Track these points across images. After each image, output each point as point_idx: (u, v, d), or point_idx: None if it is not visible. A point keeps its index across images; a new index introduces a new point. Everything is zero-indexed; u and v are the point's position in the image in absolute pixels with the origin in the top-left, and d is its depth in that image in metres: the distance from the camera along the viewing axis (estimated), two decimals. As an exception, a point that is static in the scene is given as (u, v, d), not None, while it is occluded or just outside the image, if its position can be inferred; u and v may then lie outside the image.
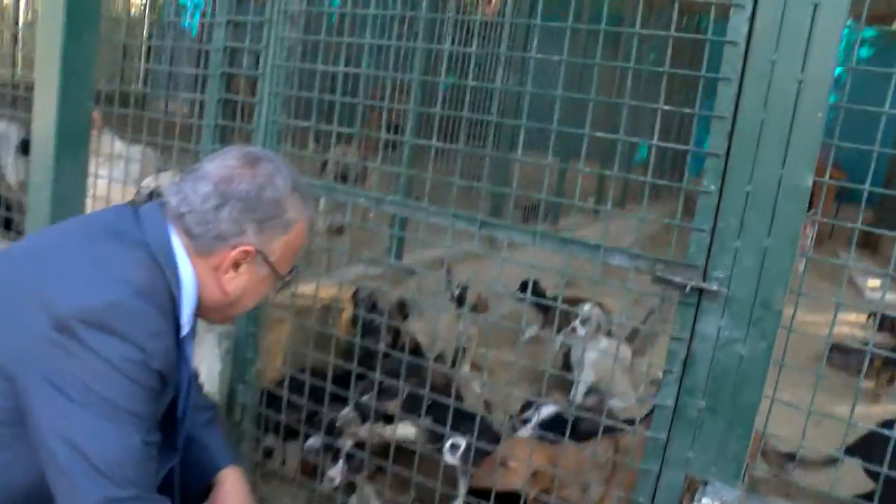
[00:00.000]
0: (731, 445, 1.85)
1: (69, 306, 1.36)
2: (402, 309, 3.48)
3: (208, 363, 2.45)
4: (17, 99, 3.63)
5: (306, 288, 2.97)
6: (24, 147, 3.99)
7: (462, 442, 2.37)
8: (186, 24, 7.06)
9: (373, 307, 3.09)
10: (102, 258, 1.49)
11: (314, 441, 2.56)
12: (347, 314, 3.17)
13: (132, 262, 1.48)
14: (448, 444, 2.40)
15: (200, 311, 1.63)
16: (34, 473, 1.42)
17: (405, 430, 2.47)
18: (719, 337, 1.85)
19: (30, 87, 2.81)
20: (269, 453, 2.84)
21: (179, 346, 1.54)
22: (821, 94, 1.71)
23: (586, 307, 3.87)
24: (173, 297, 1.52)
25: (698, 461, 1.89)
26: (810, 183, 1.74)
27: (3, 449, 1.44)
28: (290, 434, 2.69)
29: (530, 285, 3.74)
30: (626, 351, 4.21)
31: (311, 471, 2.67)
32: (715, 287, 1.83)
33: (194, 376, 1.97)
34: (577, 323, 3.81)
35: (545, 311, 4.24)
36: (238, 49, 2.50)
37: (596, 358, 3.83)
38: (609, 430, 2.27)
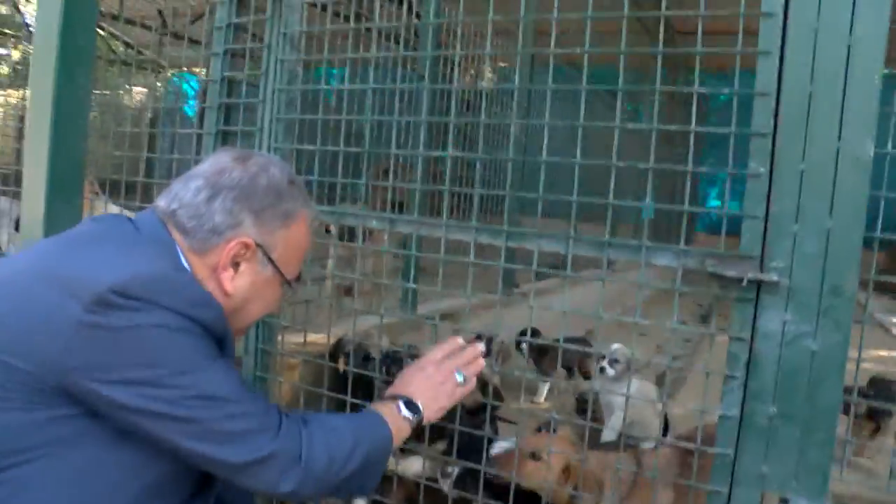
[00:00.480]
0: (812, 454, 1.63)
1: (103, 279, 1.23)
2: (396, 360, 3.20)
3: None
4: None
5: (314, 336, 2.80)
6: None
7: (454, 469, 2.16)
8: (190, 112, 7.12)
9: (365, 359, 2.89)
10: (124, 245, 1.37)
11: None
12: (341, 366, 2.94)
13: (157, 245, 1.39)
14: (439, 471, 2.19)
15: None
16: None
17: (413, 465, 2.25)
18: (785, 333, 1.66)
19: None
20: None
21: None
22: (874, 54, 1.57)
23: (614, 346, 3.66)
24: None
25: (775, 476, 1.67)
26: (871, 152, 1.58)
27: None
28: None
29: (529, 332, 3.63)
30: (653, 391, 3.99)
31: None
32: (775, 278, 1.65)
33: None
34: (605, 363, 3.59)
35: (543, 355, 4.09)
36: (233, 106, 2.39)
37: (623, 401, 3.60)
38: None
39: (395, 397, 1.64)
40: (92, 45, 2.68)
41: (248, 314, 1.53)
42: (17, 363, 1.21)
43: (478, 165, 3.43)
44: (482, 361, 1.74)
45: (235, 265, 1.45)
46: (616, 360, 3.59)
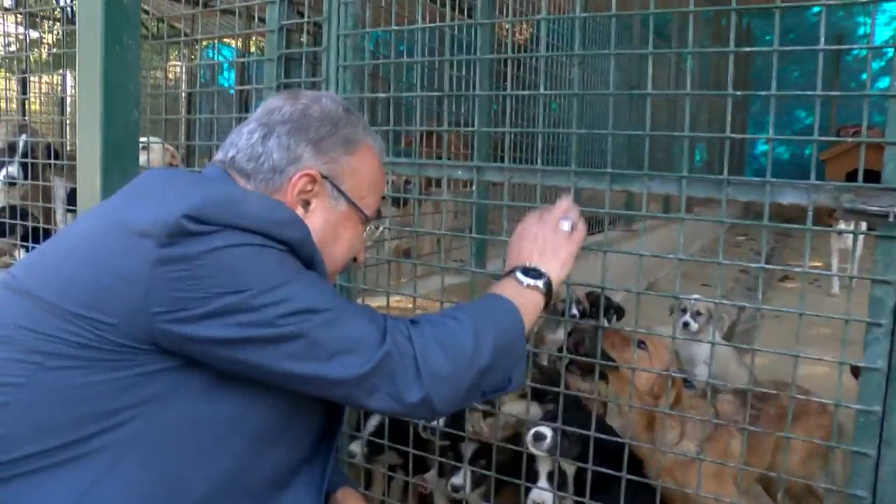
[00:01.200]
0: (977, 408, 1.45)
1: (175, 210, 1.11)
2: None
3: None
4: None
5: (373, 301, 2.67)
6: (72, 198, 3.89)
7: (548, 432, 2.00)
8: (226, 84, 7.01)
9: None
10: (191, 183, 1.28)
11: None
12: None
13: (225, 184, 1.32)
14: (531, 433, 2.04)
15: None
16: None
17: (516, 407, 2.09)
18: (941, 272, 1.46)
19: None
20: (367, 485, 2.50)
21: None
22: None
23: (694, 297, 3.47)
24: None
25: (932, 434, 1.49)
26: None
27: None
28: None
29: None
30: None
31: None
32: (927, 210, 1.45)
33: None
34: (688, 317, 3.40)
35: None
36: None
37: (708, 353, 3.42)
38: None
39: (509, 273, 1.48)
40: (137, 6, 2.53)
41: (330, 258, 1.38)
42: (101, 317, 1.11)
43: (540, 118, 3.23)
44: (577, 206, 1.57)
45: (305, 204, 1.35)
46: (699, 313, 3.40)
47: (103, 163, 2.38)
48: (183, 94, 5.81)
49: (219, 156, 1.39)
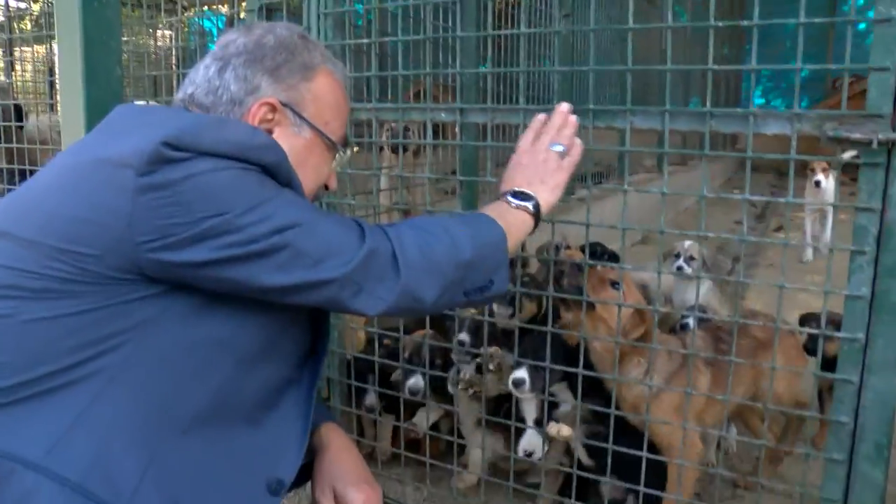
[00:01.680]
0: (959, 332, 1.46)
1: (154, 138, 1.11)
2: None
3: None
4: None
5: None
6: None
7: (525, 376, 2.09)
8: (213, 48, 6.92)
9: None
10: (165, 114, 1.31)
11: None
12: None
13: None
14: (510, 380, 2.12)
15: None
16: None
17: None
18: (924, 198, 1.46)
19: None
20: (361, 432, 2.52)
21: None
22: None
23: (687, 243, 3.46)
24: None
25: (915, 360, 1.50)
26: None
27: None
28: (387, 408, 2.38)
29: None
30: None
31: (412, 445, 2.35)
32: (911, 136, 1.44)
33: None
34: (681, 262, 3.39)
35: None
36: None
37: (702, 297, 3.44)
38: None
39: (499, 196, 1.52)
40: (116, -40, 2.49)
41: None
42: (84, 250, 1.11)
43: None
44: (573, 120, 1.58)
45: (268, 133, 1.32)
46: (692, 258, 3.40)
47: (87, 121, 2.36)
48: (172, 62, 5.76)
49: (179, 95, 1.38)
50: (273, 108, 1.33)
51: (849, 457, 1.59)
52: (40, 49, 6.65)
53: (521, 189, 1.50)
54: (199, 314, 1.18)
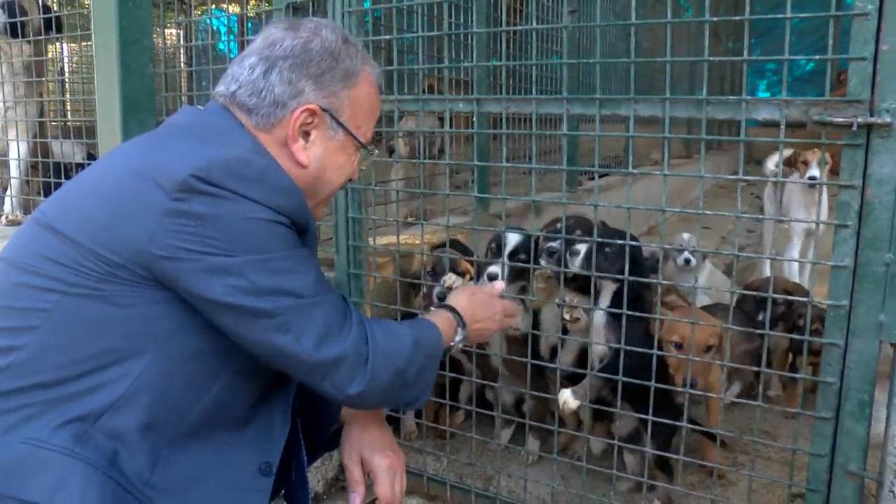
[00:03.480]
0: (933, 297, 1.60)
1: (184, 167, 1.21)
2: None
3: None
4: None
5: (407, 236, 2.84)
6: (89, 159, 3.99)
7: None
8: (223, 48, 7.04)
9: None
10: (204, 133, 1.36)
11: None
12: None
13: (232, 131, 1.38)
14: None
15: None
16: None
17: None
18: (900, 176, 1.60)
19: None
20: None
21: None
22: None
23: (686, 236, 3.60)
24: None
25: (894, 324, 1.64)
26: None
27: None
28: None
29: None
30: (723, 279, 3.97)
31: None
32: (888, 119, 1.59)
33: None
34: (687, 254, 3.52)
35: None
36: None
37: (704, 283, 3.59)
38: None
39: (444, 307, 1.67)
40: (149, -37, 2.64)
41: (327, 183, 1.49)
42: (109, 255, 1.21)
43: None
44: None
45: (305, 135, 1.41)
46: (694, 249, 3.54)
47: (122, 116, 2.51)
48: (182, 62, 5.91)
49: (220, 88, 1.43)
50: (313, 114, 1.40)
51: (836, 414, 1.73)
52: (50, 49, 6.82)
53: (461, 315, 1.66)
54: (209, 326, 1.28)
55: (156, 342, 1.26)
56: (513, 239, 2.39)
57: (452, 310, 1.66)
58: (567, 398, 2.21)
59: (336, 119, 1.43)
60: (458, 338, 1.65)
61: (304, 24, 1.45)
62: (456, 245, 2.72)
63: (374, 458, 1.57)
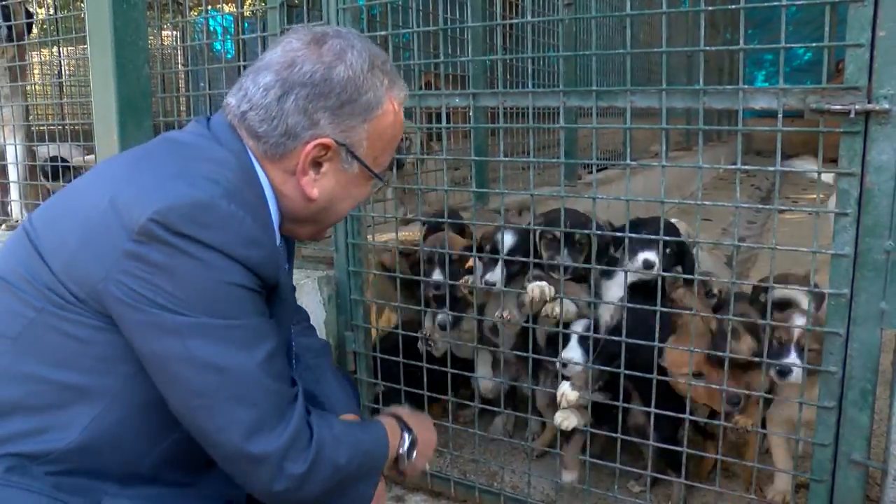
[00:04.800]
0: (935, 284, 1.59)
1: (145, 209, 1.14)
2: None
3: (311, 313, 2.28)
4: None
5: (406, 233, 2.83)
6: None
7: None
8: (219, 48, 7.02)
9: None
10: (179, 162, 1.26)
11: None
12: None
13: (214, 161, 1.26)
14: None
15: (285, 226, 1.41)
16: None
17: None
18: (900, 163, 1.60)
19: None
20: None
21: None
22: None
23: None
24: (266, 205, 1.32)
25: (895, 312, 1.63)
26: None
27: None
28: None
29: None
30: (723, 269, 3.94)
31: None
32: (886, 106, 1.58)
33: (298, 309, 1.80)
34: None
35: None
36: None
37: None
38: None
39: (388, 415, 1.56)
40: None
41: (335, 213, 1.43)
42: (74, 287, 1.18)
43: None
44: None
45: (317, 166, 1.33)
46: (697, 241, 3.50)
47: (119, 118, 2.50)
48: (179, 63, 5.92)
49: (231, 102, 1.34)
50: (328, 148, 1.31)
51: (838, 403, 1.72)
52: (46, 52, 6.80)
53: (415, 441, 1.51)
54: None
55: (113, 385, 1.23)
56: (509, 240, 2.35)
57: (395, 417, 1.54)
58: (566, 390, 2.20)
59: (352, 153, 1.34)
60: (406, 444, 1.50)
61: (329, 42, 1.32)
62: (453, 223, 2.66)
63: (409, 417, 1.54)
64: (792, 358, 1.96)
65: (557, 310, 2.19)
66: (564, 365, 2.20)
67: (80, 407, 1.22)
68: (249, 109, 1.30)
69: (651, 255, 2.14)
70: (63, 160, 3.74)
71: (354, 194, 1.42)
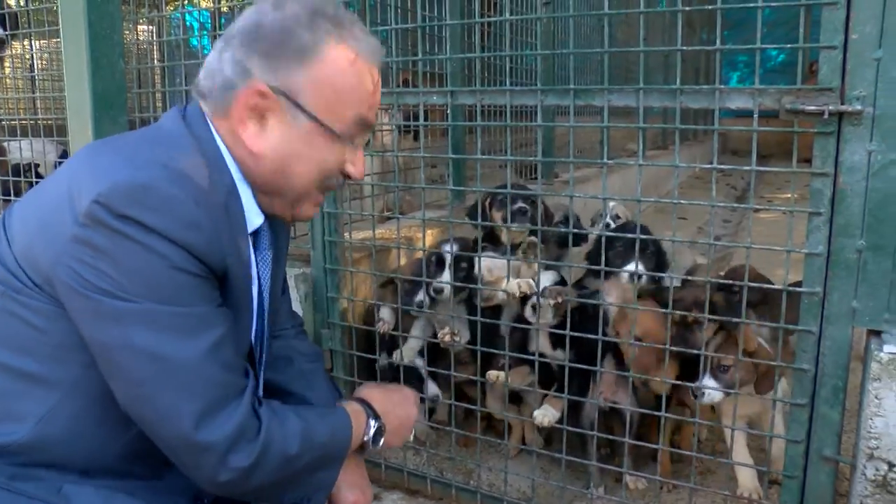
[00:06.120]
0: (904, 283, 1.62)
1: (91, 192, 1.12)
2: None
3: (287, 310, 2.27)
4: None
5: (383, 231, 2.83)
6: (63, 157, 3.95)
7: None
8: (196, 43, 6.96)
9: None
10: (137, 147, 1.24)
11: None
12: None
13: (173, 147, 1.24)
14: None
15: (259, 200, 1.35)
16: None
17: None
18: (871, 163, 1.62)
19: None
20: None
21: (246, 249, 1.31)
22: None
23: (612, 203, 3.52)
24: (232, 193, 1.27)
25: (866, 310, 1.66)
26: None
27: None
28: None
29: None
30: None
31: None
32: (858, 107, 1.60)
33: (293, 314, 1.78)
34: (608, 219, 3.43)
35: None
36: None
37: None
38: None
39: (355, 399, 1.54)
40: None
41: (293, 177, 1.31)
42: (30, 272, 1.19)
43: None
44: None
45: (261, 119, 1.26)
46: (617, 216, 3.49)
47: (94, 113, 2.47)
48: (155, 58, 5.83)
49: (198, 76, 1.32)
50: (263, 95, 1.24)
51: (811, 400, 1.75)
52: (17, 45, 6.71)
53: (382, 425, 1.50)
54: None
55: (70, 374, 1.22)
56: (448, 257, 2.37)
57: (363, 402, 1.51)
58: (547, 413, 2.22)
59: (293, 101, 1.25)
60: (371, 431, 1.48)
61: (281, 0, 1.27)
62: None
63: (342, 492, 1.49)
64: (706, 380, 2.04)
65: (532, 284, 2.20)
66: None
67: (37, 397, 1.21)
68: (201, 74, 1.30)
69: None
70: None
71: (312, 153, 1.30)
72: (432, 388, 2.42)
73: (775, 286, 1.81)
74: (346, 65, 1.27)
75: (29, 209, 1.25)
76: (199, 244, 1.16)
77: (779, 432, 1.94)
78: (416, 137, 3.73)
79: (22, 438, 1.21)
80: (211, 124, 1.29)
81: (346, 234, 2.40)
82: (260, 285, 1.44)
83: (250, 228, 1.34)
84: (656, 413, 2.01)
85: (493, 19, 3.05)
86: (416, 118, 2.14)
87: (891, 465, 1.60)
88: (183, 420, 1.15)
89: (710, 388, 2.04)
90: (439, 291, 2.33)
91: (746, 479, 2.23)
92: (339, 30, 1.27)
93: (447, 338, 2.33)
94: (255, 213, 1.35)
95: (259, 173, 1.30)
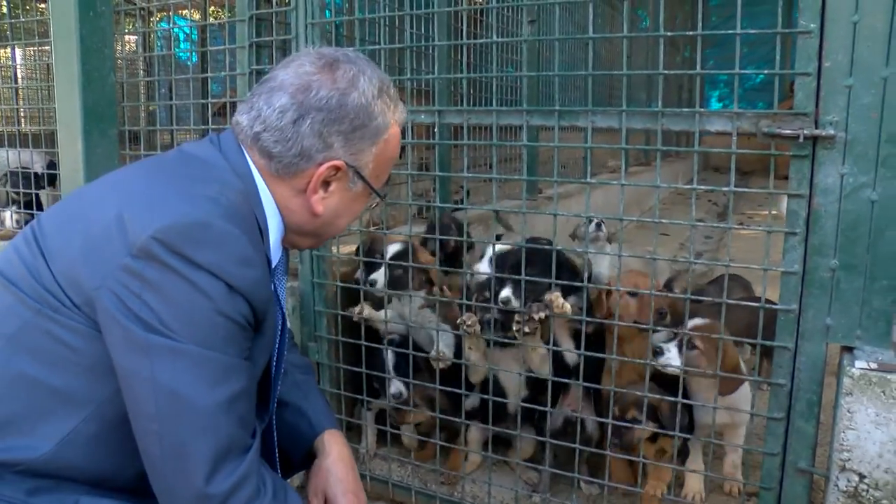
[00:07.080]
0: (875, 302, 1.68)
1: (148, 226, 1.17)
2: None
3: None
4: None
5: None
6: (49, 168, 3.95)
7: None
8: (183, 56, 6.97)
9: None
10: (187, 180, 1.30)
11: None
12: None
13: (219, 182, 1.30)
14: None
15: (288, 238, 1.46)
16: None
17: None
18: (843, 186, 1.68)
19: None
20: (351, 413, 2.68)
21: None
22: None
23: (594, 223, 3.56)
24: (261, 227, 1.34)
25: (839, 327, 1.72)
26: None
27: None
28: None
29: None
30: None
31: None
32: (831, 132, 1.66)
33: (288, 328, 1.81)
34: (592, 226, 3.45)
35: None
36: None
37: (607, 265, 3.57)
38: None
39: None
40: (110, -25, 2.63)
41: (336, 227, 1.49)
42: (71, 294, 1.21)
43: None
44: None
45: (326, 185, 1.39)
46: (600, 223, 3.53)
47: (84, 126, 2.50)
48: (141, 71, 5.85)
49: (242, 120, 1.38)
50: (338, 169, 1.37)
51: (787, 414, 1.80)
52: (1, 53, 6.69)
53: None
54: None
55: (97, 396, 1.25)
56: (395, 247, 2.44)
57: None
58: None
59: (359, 174, 1.41)
60: None
61: (343, 68, 1.37)
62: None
63: (337, 498, 1.56)
64: (672, 348, 2.07)
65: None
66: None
67: (62, 415, 1.24)
68: (263, 130, 1.35)
69: (506, 293, 2.19)
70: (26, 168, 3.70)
71: (354, 209, 1.49)
72: (395, 385, 2.42)
73: (753, 303, 1.86)
74: (397, 141, 1.47)
75: (70, 227, 1.27)
76: (251, 280, 1.24)
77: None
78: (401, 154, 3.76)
79: (43, 456, 1.24)
80: (259, 174, 1.37)
81: (334, 248, 2.43)
82: (282, 311, 1.52)
83: (273, 262, 1.41)
84: (633, 458, 2.04)
85: (480, 41, 3.09)
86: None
87: (861, 477, 1.66)
88: (188, 463, 1.19)
89: (671, 356, 2.05)
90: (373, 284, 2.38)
91: (695, 483, 2.29)
92: (395, 107, 1.43)
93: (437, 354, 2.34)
94: (276, 248, 1.42)
95: (310, 226, 1.44)
